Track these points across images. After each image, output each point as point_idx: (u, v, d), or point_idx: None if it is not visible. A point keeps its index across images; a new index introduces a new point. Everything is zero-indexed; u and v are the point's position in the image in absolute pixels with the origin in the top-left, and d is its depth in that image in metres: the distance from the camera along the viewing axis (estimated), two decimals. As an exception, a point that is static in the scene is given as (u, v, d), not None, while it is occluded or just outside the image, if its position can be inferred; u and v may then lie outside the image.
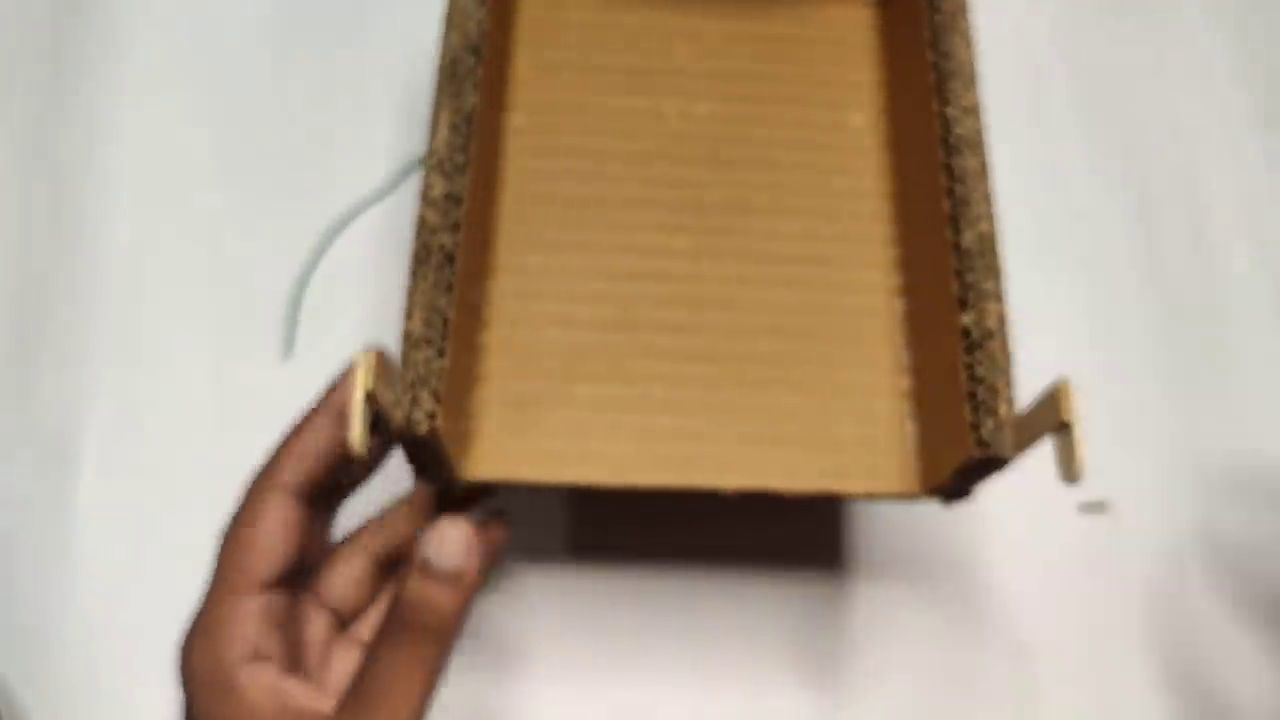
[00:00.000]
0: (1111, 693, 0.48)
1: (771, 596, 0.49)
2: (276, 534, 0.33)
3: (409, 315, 0.37)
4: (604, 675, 0.47)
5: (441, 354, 0.36)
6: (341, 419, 0.34)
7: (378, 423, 0.31)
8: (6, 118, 0.56)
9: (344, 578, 0.37)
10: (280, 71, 0.58)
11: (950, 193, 0.40)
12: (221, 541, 0.34)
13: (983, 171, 0.40)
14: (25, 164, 0.55)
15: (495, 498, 0.41)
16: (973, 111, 0.42)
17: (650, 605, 0.49)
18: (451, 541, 0.32)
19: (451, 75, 0.42)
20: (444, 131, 0.40)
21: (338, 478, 0.35)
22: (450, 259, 0.38)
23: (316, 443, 0.34)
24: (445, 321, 0.37)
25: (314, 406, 0.35)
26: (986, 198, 0.40)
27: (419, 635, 0.31)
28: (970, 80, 0.42)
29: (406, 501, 0.38)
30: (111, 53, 0.58)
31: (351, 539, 0.38)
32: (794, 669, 0.48)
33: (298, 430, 0.34)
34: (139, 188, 0.55)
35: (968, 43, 0.43)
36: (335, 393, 0.35)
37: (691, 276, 0.45)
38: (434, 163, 0.40)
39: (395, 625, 0.32)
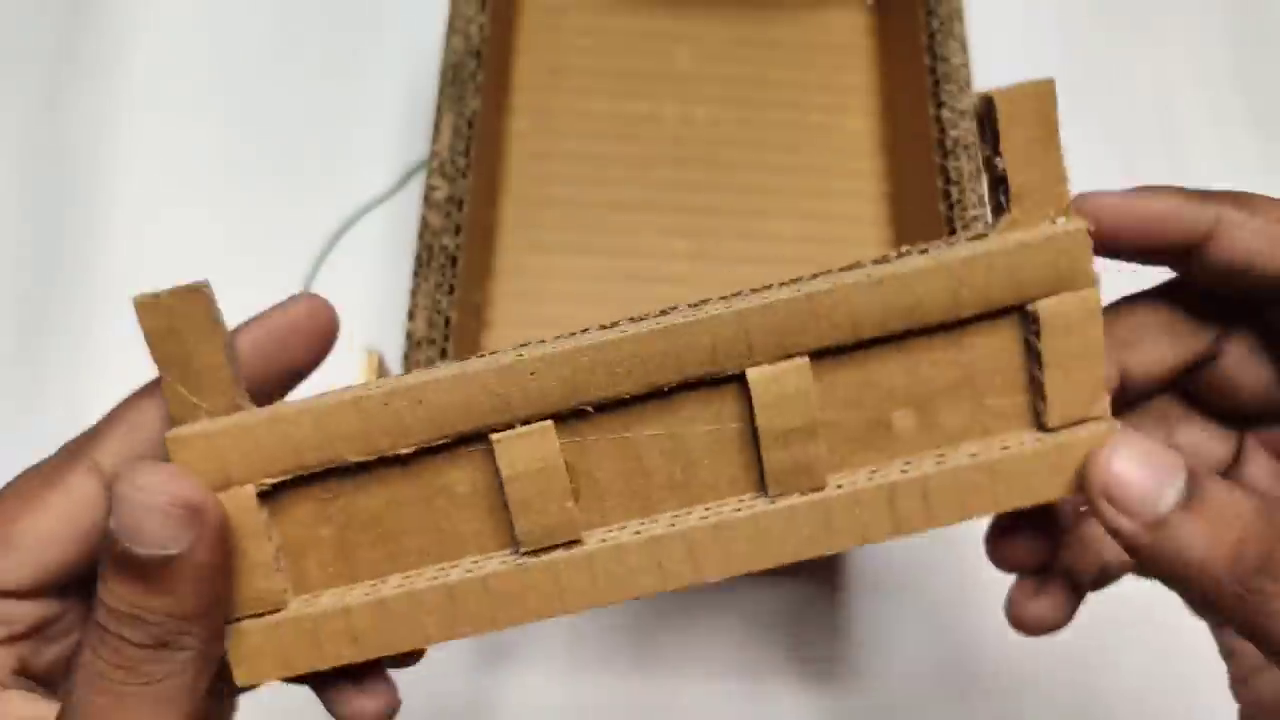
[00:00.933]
0: (1110, 691, 0.48)
1: (771, 596, 0.49)
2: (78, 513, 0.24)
3: (412, 316, 0.37)
4: (603, 674, 0.48)
5: (444, 355, 0.37)
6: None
7: None
8: (10, 119, 0.57)
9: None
10: (283, 75, 0.58)
11: (945, 195, 0.41)
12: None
13: (978, 174, 0.41)
14: (29, 166, 0.56)
15: None
16: (968, 115, 0.42)
17: (649, 604, 0.49)
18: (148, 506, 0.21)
19: (454, 79, 0.42)
20: (446, 135, 0.41)
21: None
22: (453, 261, 0.39)
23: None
24: (447, 323, 0.38)
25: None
26: (981, 200, 0.40)
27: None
28: (965, 84, 0.43)
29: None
30: (114, 55, 0.58)
31: None
32: (794, 669, 0.48)
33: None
34: (142, 191, 0.55)
35: (963, 47, 0.44)
36: None
37: (691, 278, 0.45)
38: (436, 166, 0.40)
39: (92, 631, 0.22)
